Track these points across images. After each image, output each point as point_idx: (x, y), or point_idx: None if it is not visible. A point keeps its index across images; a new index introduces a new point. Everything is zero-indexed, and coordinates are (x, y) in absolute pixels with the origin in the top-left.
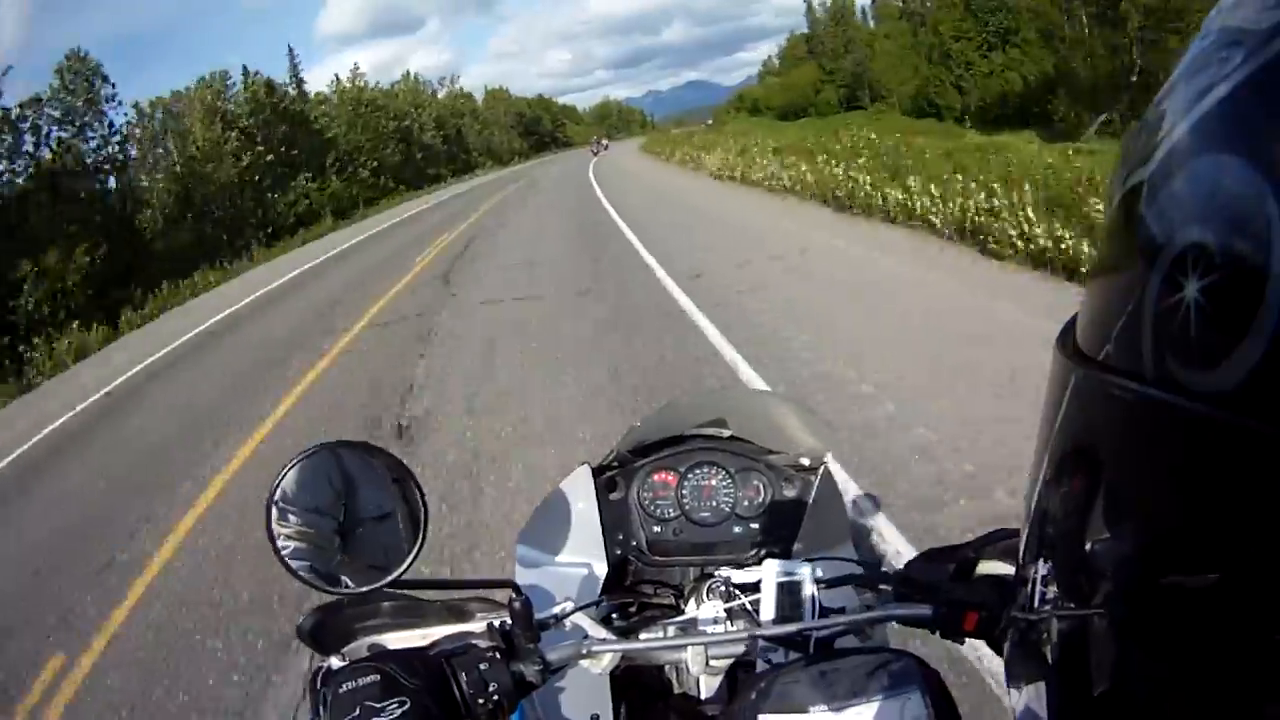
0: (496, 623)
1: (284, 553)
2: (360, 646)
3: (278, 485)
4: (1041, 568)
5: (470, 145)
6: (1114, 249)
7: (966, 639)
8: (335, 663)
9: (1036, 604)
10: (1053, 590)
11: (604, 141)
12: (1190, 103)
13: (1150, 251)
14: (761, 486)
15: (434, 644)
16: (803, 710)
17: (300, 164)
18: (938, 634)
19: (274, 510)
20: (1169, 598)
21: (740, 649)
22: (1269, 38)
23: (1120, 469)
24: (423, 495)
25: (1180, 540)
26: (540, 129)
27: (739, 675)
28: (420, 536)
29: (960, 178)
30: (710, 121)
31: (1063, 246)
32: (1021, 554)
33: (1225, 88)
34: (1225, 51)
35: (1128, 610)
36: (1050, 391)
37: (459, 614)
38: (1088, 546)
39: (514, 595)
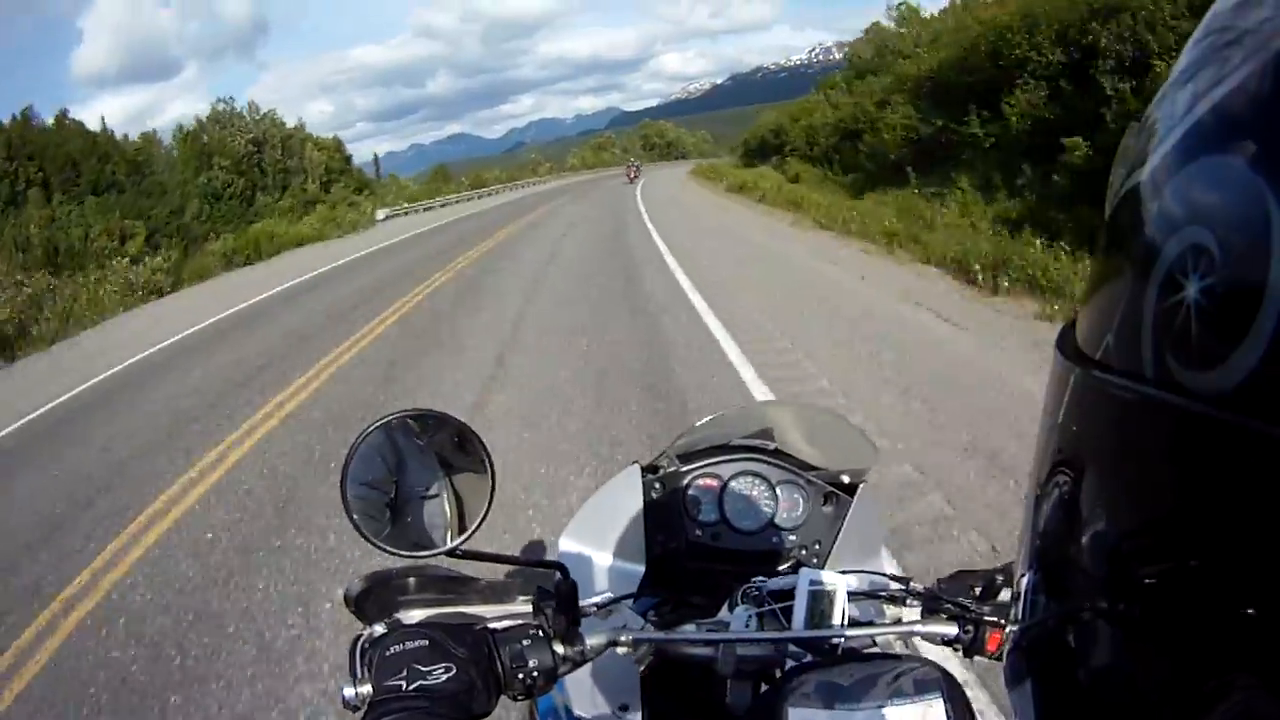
0: (540, 604)
1: (355, 518)
2: (403, 618)
3: (348, 461)
4: (1040, 571)
5: None
6: (1114, 250)
7: (990, 660)
8: (379, 630)
9: (1033, 607)
10: (1048, 593)
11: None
12: (1189, 103)
13: (1150, 252)
14: (801, 500)
15: (479, 618)
16: (828, 707)
17: None
18: (960, 652)
19: (347, 482)
20: (1167, 597)
21: (769, 652)
22: (1269, 38)
23: (1120, 469)
24: (491, 464)
25: (1178, 539)
26: None
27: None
28: (486, 506)
29: None
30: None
31: None
32: (1021, 554)
33: (1225, 88)
34: (1225, 51)
35: (1123, 609)
36: (1050, 392)
37: (501, 594)
38: (1085, 546)
39: (560, 578)
